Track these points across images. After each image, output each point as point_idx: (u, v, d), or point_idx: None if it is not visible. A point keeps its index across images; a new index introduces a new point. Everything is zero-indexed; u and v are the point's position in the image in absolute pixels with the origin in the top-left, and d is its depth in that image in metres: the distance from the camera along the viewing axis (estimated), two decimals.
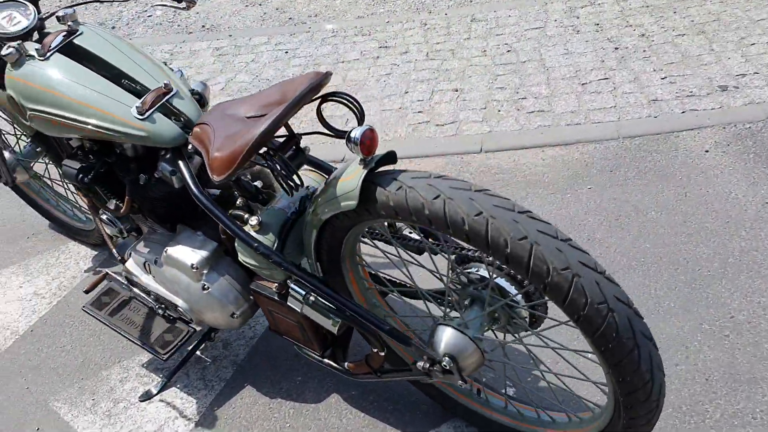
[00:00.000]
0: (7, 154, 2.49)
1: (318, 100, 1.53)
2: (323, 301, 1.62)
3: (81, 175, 1.86)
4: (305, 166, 1.77)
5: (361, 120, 1.54)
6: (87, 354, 2.34)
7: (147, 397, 2.12)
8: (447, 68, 3.68)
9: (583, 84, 3.29)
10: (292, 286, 1.65)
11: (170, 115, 1.72)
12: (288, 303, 1.68)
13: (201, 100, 2.05)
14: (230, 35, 4.61)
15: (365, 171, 1.38)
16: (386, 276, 1.84)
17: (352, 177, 1.41)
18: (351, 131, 1.36)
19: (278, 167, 1.49)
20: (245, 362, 2.20)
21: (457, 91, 3.45)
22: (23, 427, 2.13)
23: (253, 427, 1.98)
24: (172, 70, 1.92)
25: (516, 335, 1.59)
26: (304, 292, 1.63)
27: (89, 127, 1.72)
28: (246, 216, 1.70)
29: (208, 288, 1.85)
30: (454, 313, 1.61)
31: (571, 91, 3.26)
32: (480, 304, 1.56)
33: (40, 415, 2.15)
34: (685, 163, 2.70)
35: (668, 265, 2.25)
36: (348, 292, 1.72)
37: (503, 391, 1.86)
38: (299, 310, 1.67)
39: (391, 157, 1.43)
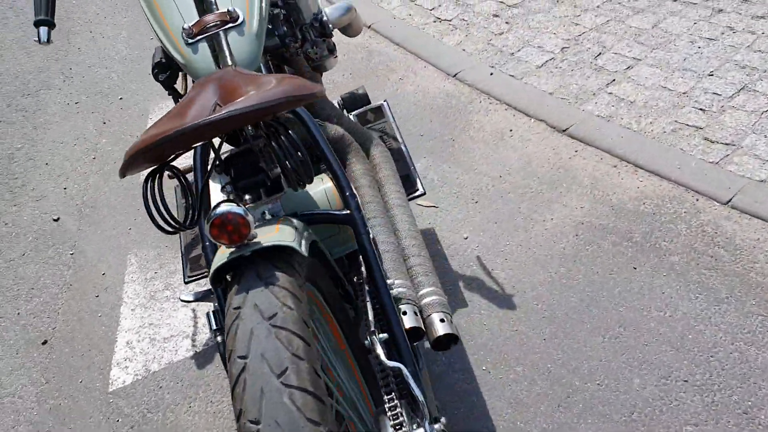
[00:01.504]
0: None
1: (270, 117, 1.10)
2: None
3: (156, 70, 1.71)
4: None
5: (302, 178, 1.09)
6: None
7: (185, 299, 2.08)
8: None
9: None
10: None
11: (219, 50, 1.44)
12: None
13: (324, 29, 1.72)
14: None
15: (227, 258, 1.00)
16: None
17: (221, 253, 1.04)
18: (217, 205, 0.97)
19: (154, 197, 1.11)
20: None
21: None
22: (98, 264, 2.27)
23: (224, 399, 1.84)
24: None
25: None
26: None
27: (153, 30, 1.54)
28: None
29: None
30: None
31: None
32: None
33: (115, 262, 2.26)
34: None
35: None
36: None
37: None
38: None
39: (284, 247, 1.01)
